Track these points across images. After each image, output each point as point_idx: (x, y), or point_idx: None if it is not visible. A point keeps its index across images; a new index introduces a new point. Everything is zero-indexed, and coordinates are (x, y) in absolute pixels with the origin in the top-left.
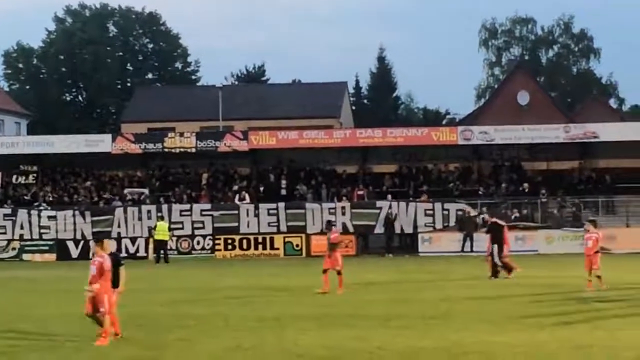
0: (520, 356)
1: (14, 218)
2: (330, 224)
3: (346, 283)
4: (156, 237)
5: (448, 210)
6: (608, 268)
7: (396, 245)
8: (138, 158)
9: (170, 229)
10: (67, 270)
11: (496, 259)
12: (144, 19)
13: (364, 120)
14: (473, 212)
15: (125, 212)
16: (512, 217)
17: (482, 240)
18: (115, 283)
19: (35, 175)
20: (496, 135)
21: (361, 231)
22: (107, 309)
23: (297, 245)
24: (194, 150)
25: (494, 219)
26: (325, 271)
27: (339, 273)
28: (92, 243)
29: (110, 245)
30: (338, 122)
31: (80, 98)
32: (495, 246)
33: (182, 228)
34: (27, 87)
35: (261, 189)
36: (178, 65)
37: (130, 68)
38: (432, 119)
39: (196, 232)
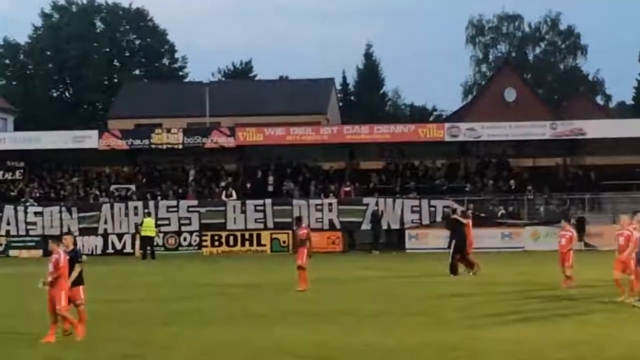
0: (506, 352)
1: (0, 214)
2: (299, 220)
3: (334, 279)
4: (143, 234)
5: (435, 207)
6: (594, 264)
7: (383, 241)
8: (125, 154)
9: (157, 225)
10: None
11: (452, 256)
12: (131, 15)
13: (351, 117)
14: (460, 209)
15: (112, 208)
16: (499, 213)
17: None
18: (79, 280)
19: (21, 171)
20: (483, 132)
21: (348, 228)
22: (64, 305)
23: (284, 242)
24: (180, 146)
25: (454, 216)
26: (302, 268)
27: (298, 268)
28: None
29: (71, 241)
30: (325, 118)
31: (67, 94)
32: (454, 242)
33: (168, 224)
34: (14, 83)
35: (248, 185)
36: (165, 61)
37: (117, 64)
38: (419, 115)
39: (183, 228)
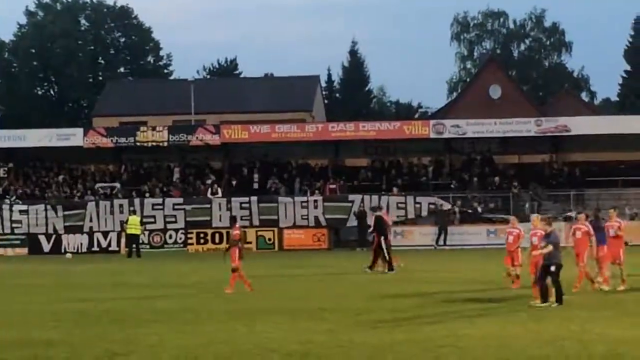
0: (492, 349)
1: None
2: (233, 220)
3: (320, 275)
4: (128, 231)
5: (420, 203)
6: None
7: (369, 239)
8: (110, 152)
9: (142, 223)
10: (38, 265)
11: (384, 252)
12: (116, 13)
13: (337, 114)
14: (447, 206)
15: (97, 206)
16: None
17: (456, 233)
18: None
19: (6, 169)
20: (468, 128)
21: (333, 225)
22: None
23: (270, 239)
24: (166, 144)
25: (378, 213)
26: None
27: (233, 270)
28: None
29: None
30: (310, 115)
31: (51, 92)
32: (382, 239)
33: (154, 222)
34: None
35: (233, 182)
36: (150, 59)
37: (102, 62)
38: (405, 112)
39: (168, 226)
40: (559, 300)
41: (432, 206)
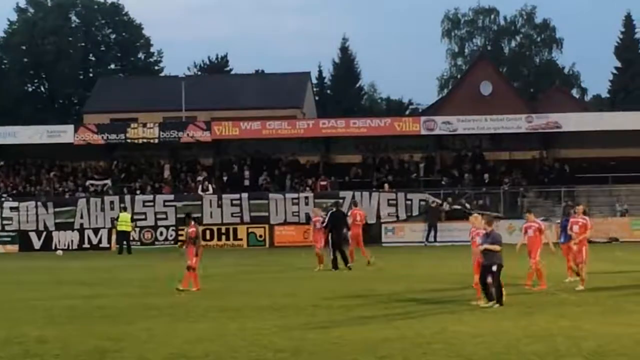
0: (483, 345)
1: None
2: (188, 217)
3: (310, 271)
4: (119, 228)
5: (411, 200)
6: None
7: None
8: (101, 149)
9: (133, 220)
10: (29, 262)
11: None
12: (107, 9)
13: (327, 111)
14: (437, 202)
15: (88, 203)
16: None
17: (446, 230)
18: None
19: None
20: (459, 125)
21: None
22: None
23: (261, 236)
24: (156, 140)
25: (333, 210)
26: (192, 268)
27: (187, 269)
28: None
29: None
30: (301, 112)
31: (42, 89)
32: (335, 237)
33: (145, 219)
34: None
35: (224, 179)
36: (141, 55)
37: (93, 58)
38: (395, 109)
39: (159, 223)
40: (499, 301)
41: (422, 202)
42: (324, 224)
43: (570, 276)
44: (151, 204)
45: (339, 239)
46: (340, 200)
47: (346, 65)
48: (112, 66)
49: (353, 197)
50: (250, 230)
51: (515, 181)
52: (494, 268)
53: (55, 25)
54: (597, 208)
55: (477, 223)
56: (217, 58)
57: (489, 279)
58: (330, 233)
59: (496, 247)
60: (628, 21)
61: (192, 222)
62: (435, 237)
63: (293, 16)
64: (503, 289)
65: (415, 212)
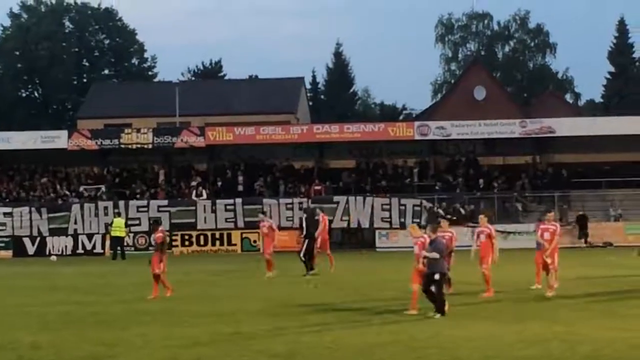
0: (477, 349)
1: None
2: (156, 224)
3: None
4: (113, 234)
5: (405, 205)
6: (564, 262)
7: (353, 241)
8: (95, 154)
9: (127, 225)
10: (23, 267)
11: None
12: (100, 15)
13: (321, 116)
14: (430, 207)
15: (82, 208)
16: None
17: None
18: None
19: None
20: (453, 130)
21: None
22: None
23: (255, 241)
24: (150, 146)
25: (305, 215)
26: (157, 276)
27: (154, 277)
28: None
29: None
30: (295, 117)
31: (36, 94)
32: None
33: (139, 224)
34: None
35: (218, 184)
36: (134, 61)
37: (87, 64)
38: (389, 114)
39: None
40: (441, 310)
41: (417, 208)
42: (303, 229)
43: (538, 284)
44: (145, 209)
45: (312, 244)
46: (313, 205)
47: (340, 70)
48: (106, 71)
49: (347, 202)
50: (244, 235)
51: (508, 186)
52: (437, 277)
53: (48, 31)
54: (591, 213)
55: (415, 233)
56: (210, 63)
57: (432, 288)
58: (308, 238)
59: (435, 255)
60: (621, 26)
61: (159, 228)
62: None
63: (286, 21)
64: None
65: (409, 217)
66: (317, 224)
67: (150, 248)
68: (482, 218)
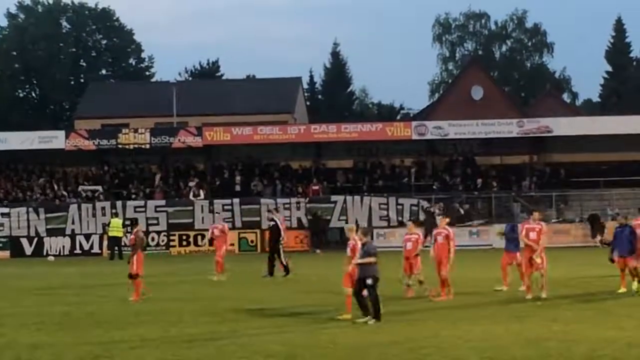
0: (475, 350)
1: None
2: (133, 224)
3: (300, 276)
4: (110, 234)
5: (402, 205)
6: (562, 262)
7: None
8: (92, 154)
9: (124, 226)
10: (20, 268)
11: (282, 258)
12: (97, 15)
13: (319, 116)
14: (430, 207)
15: (79, 208)
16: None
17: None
18: None
19: None
20: (450, 130)
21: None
22: None
23: (252, 241)
24: (148, 146)
25: (272, 215)
26: (134, 276)
27: (129, 276)
28: None
29: None
30: (292, 117)
31: (33, 94)
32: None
33: (136, 225)
34: None
35: (216, 184)
36: (132, 61)
37: (84, 64)
38: (387, 114)
39: (151, 228)
40: (377, 315)
41: (414, 208)
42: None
43: (525, 285)
44: (143, 209)
45: (277, 245)
46: (274, 210)
47: (337, 70)
48: (103, 72)
49: (344, 201)
50: (241, 235)
51: (506, 186)
52: (369, 281)
53: (46, 31)
54: (589, 212)
55: (352, 234)
56: (208, 63)
57: (365, 292)
58: (277, 241)
59: (370, 260)
60: (619, 25)
61: (135, 229)
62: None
63: (284, 21)
64: (381, 302)
65: (406, 217)
66: (275, 228)
67: (148, 248)
68: (442, 219)
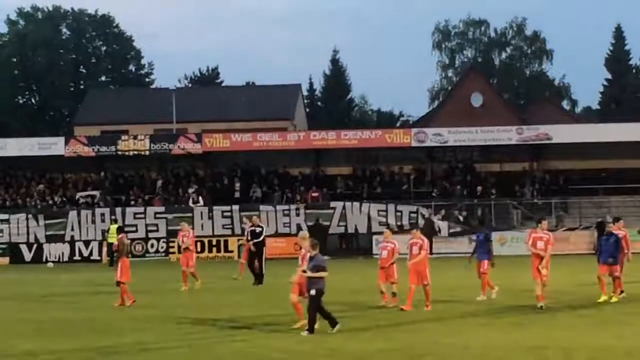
0: (474, 357)
1: None
2: (119, 230)
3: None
4: (109, 240)
5: (401, 211)
6: (561, 269)
7: (352, 247)
8: (91, 161)
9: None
10: (20, 274)
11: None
12: (97, 21)
13: (318, 123)
14: (429, 215)
15: (78, 215)
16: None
17: (439, 242)
18: None
19: None
20: (450, 137)
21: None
22: None
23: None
24: (147, 153)
25: (255, 224)
26: (119, 283)
27: (117, 284)
28: None
29: None
30: (292, 124)
31: (33, 100)
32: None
33: (136, 231)
34: None
35: (216, 190)
36: (131, 67)
37: (84, 70)
38: (386, 121)
39: (150, 235)
40: (310, 327)
41: (413, 215)
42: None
43: (483, 294)
44: (142, 216)
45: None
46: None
47: (337, 77)
48: (103, 78)
49: (344, 207)
50: (241, 242)
51: (505, 193)
52: (312, 292)
53: (45, 38)
54: (588, 220)
55: (304, 243)
56: (207, 70)
57: (307, 304)
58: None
59: (322, 274)
60: (618, 33)
61: (119, 235)
62: (431, 250)
63: (284, 28)
64: (326, 315)
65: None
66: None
67: (147, 255)
68: (386, 232)
